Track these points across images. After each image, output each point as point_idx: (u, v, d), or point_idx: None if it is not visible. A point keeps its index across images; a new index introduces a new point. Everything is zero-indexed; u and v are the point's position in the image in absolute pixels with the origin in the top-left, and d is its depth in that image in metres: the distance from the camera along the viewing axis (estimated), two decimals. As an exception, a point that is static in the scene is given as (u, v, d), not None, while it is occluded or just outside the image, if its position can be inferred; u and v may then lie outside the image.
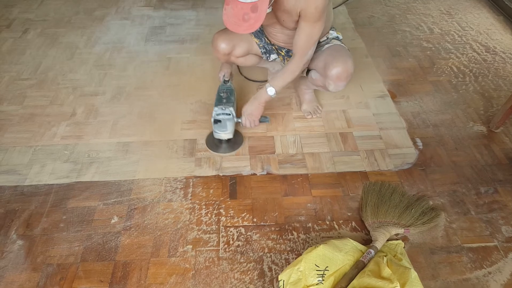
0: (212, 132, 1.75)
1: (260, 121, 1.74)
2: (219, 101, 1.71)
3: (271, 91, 1.62)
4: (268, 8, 1.33)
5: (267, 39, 1.75)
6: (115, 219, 1.48)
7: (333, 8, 2.73)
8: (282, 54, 1.79)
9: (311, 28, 1.45)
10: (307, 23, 1.44)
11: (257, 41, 1.76)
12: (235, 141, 1.77)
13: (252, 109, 1.68)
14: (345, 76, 1.54)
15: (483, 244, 1.40)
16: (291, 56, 1.74)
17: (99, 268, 1.33)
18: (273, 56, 1.82)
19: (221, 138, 1.70)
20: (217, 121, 1.68)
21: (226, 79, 1.84)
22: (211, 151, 1.74)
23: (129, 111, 1.96)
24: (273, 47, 1.78)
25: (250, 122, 1.70)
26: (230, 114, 1.67)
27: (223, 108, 1.67)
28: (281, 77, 1.62)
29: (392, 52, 2.34)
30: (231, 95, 1.75)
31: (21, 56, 2.35)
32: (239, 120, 1.71)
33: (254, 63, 1.89)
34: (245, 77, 2.14)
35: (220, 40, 1.68)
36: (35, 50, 2.40)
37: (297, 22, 1.48)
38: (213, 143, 1.76)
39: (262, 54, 1.81)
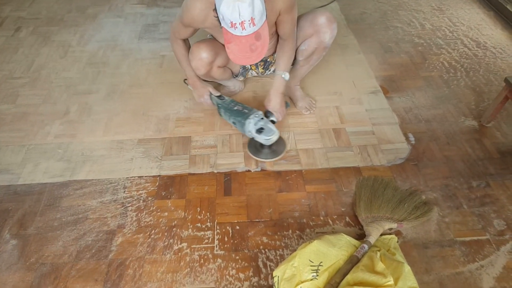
0: (250, 140, 1.75)
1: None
2: (241, 114, 1.67)
3: (287, 76, 1.68)
4: None
5: None
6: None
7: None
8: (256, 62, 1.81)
9: (292, 14, 1.53)
10: (288, 14, 1.51)
11: None
12: (278, 142, 1.70)
13: (279, 102, 1.70)
14: (333, 18, 1.64)
15: (475, 238, 1.41)
16: (265, 61, 1.83)
17: (94, 267, 1.33)
18: (247, 67, 1.86)
19: (274, 140, 1.63)
20: (260, 130, 1.63)
21: (218, 94, 1.79)
22: (260, 158, 1.70)
23: (123, 109, 1.95)
24: None
25: (281, 114, 1.73)
26: (263, 118, 1.66)
27: (256, 116, 1.64)
28: (283, 61, 1.68)
29: (384, 48, 2.35)
30: (241, 103, 1.75)
31: (13, 54, 2.33)
32: (272, 119, 1.70)
33: (228, 77, 1.86)
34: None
35: (202, 50, 1.60)
36: (27, 49, 2.38)
37: (273, 26, 1.55)
38: (256, 150, 1.72)
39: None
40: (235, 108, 1.71)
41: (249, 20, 1.22)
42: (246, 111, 1.68)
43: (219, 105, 1.77)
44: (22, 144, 1.77)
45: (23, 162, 1.69)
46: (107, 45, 2.41)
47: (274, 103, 1.70)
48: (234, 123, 1.73)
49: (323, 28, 1.62)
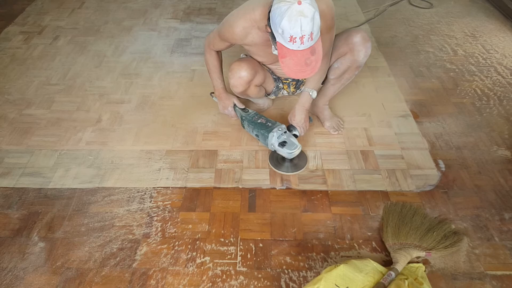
0: (272, 152, 1.76)
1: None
2: (264, 127, 1.70)
3: (314, 93, 1.69)
4: (275, 49, 1.38)
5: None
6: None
7: (357, 27, 2.75)
8: (288, 82, 1.86)
9: (331, 34, 1.56)
10: (327, 33, 1.52)
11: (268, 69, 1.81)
12: (299, 157, 1.71)
13: (303, 117, 1.71)
14: (368, 37, 1.64)
15: (507, 272, 1.36)
16: (297, 80, 1.85)
17: (118, 275, 1.34)
18: (280, 86, 1.88)
19: (297, 154, 1.64)
20: (282, 144, 1.64)
21: (242, 107, 1.82)
22: (281, 172, 1.71)
23: (153, 119, 1.99)
24: (279, 78, 1.86)
25: (304, 129, 1.73)
26: (286, 131, 1.68)
27: (280, 129, 1.66)
28: (313, 78, 1.69)
29: (415, 72, 2.33)
30: (264, 116, 1.77)
31: (50, 62, 2.43)
32: (295, 133, 1.71)
33: (262, 95, 1.89)
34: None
35: (242, 69, 1.63)
36: (64, 57, 2.47)
37: None
38: (278, 162, 1.73)
39: (274, 80, 1.85)
40: (259, 120, 1.74)
41: (308, 35, 1.24)
42: (269, 124, 1.71)
43: (243, 118, 1.79)
44: (54, 148, 1.83)
45: (54, 166, 1.74)
46: (140, 57, 2.48)
47: (299, 118, 1.71)
48: (257, 135, 1.74)
49: (358, 46, 1.62)
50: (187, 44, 2.61)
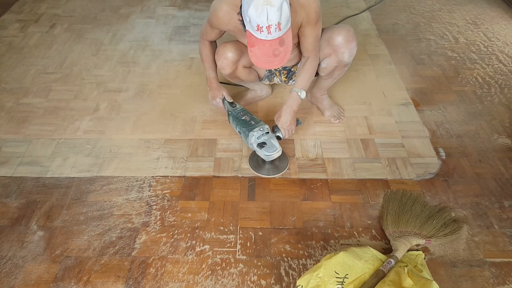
0: (253, 153, 1.70)
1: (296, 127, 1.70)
2: (247, 125, 1.63)
3: (303, 94, 1.62)
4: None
5: None
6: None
7: (357, 14, 2.72)
8: (279, 69, 1.82)
9: (316, 30, 1.51)
10: (312, 27, 1.48)
11: None
12: (280, 158, 1.64)
13: (289, 119, 1.63)
14: (351, 36, 1.58)
15: (506, 260, 1.36)
16: (289, 70, 1.79)
17: (117, 263, 1.34)
18: (273, 70, 1.83)
19: (274, 157, 1.58)
20: (261, 145, 1.58)
21: (231, 100, 1.76)
22: (260, 174, 1.64)
23: (151, 108, 1.98)
24: None
25: (289, 132, 1.66)
26: (269, 132, 1.61)
27: (261, 129, 1.59)
28: (302, 78, 1.63)
29: (416, 60, 2.31)
30: (251, 114, 1.70)
31: (47, 50, 2.40)
32: (278, 134, 1.64)
33: (254, 79, 1.84)
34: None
35: (227, 49, 1.61)
36: (61, 45, 2.45)
37: (296, 37, 1.53)
38: (258, 164, 1.67)
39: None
40: (243, 117, 1.67)
41: (275, 25, 1.22)
42: (252, 122, 1.64)
43: (229, 112, 1.74)
44: (52, 137, 1.81)
45: (52, 155, 1.73)
46: (138, 45, 2.45)
47: (284, 120, 1.63)
48: (239, 132, 1.69)
49: (341, 48, 1.58)
50: (185, 32, 2.57)
